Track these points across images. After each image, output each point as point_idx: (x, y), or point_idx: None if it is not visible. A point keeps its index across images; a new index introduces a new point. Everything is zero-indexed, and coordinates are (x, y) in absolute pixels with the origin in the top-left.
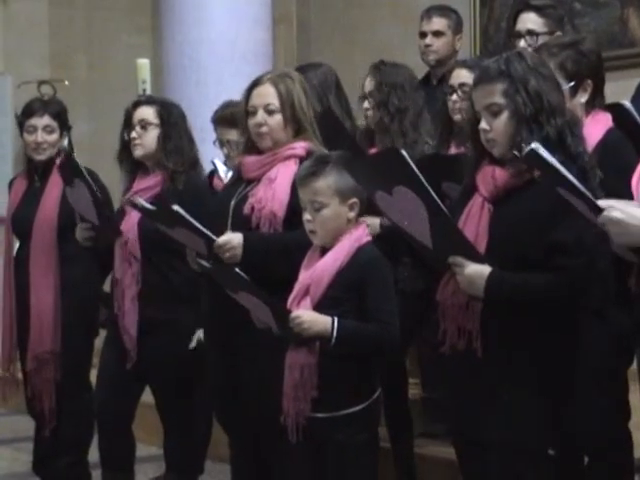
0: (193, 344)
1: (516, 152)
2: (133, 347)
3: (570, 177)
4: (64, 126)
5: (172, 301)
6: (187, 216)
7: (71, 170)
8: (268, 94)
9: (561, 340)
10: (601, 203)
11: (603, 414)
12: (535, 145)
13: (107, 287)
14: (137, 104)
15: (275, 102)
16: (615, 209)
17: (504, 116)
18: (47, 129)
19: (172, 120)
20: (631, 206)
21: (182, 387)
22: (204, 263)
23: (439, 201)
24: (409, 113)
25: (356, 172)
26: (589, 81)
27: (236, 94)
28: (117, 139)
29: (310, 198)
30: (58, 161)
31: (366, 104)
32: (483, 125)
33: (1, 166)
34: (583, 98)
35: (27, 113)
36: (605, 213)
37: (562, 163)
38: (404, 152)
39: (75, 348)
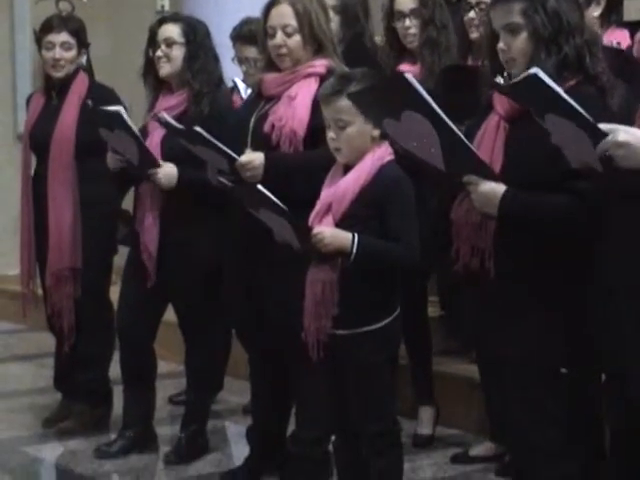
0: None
1: (500, 79)
2: (152, 266)
3: (572, 102)
4: (82, 43)
5: (194, 220)
6: (209, 137)
7: (115, 121)
8: (286, 14)
9: (573, 258)
10: (603, 127)
11: (620, 332)
12: (536, 69)
13: (125, 204)
14: (162, 21)
15: (293, 22)
16: (620, 131)
17: (522, 36)
18: (65, 46)
19: (198, 39)
20: (634, 129)
21: (204, 305)
22: (225, 181)
23: (449, 122)
24: (449, 28)
25: (362, 102)
26: None
27: (255, 11)
28: (136, 56)
29: (334, 116)
30: (90, 102)
31: (407, 22)
32: (501, 45)
33: (20, 83)
34: (596, 12)
35: (45, 29)
36: (610, 137)
37: (578, 84)
38: (409, 76)
39: (94, 265)
